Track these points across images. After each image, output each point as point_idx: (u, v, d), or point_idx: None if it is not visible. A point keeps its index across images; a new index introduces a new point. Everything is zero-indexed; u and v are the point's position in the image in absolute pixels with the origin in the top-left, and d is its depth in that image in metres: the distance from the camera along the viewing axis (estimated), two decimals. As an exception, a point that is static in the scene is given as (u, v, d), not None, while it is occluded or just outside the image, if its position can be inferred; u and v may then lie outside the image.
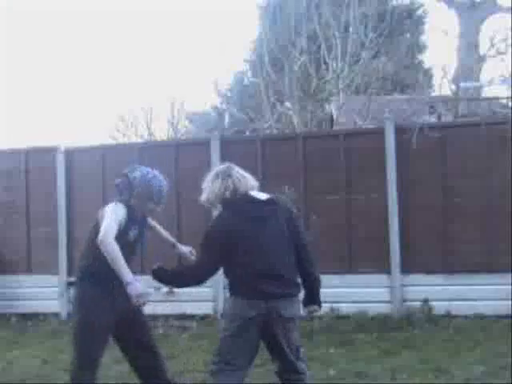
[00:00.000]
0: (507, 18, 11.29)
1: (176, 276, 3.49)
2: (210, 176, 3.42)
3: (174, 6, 33.68)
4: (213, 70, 31.04)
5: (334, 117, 12.85)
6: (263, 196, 3.37)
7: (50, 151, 8.06)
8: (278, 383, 4.77)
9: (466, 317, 6.48)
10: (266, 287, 3.19)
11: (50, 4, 31.97)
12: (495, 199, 6.69)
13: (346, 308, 6.76)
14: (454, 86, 10.01)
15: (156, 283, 3.52)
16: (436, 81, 15.84)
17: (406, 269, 6.80)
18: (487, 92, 11.40)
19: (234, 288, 3.30)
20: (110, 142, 17.10)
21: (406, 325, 6.36)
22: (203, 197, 3.43)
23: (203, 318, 7.13)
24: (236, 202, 3.30)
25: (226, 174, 3.36)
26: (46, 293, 7.83)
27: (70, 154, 8.03)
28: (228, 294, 3.37)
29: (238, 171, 3.42)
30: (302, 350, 3.36)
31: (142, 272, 7.38)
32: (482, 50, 11.92)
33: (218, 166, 3.53)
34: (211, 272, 3.36)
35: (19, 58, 32.09)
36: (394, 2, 16.45)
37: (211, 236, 3.31)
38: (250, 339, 3.23)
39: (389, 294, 6.83)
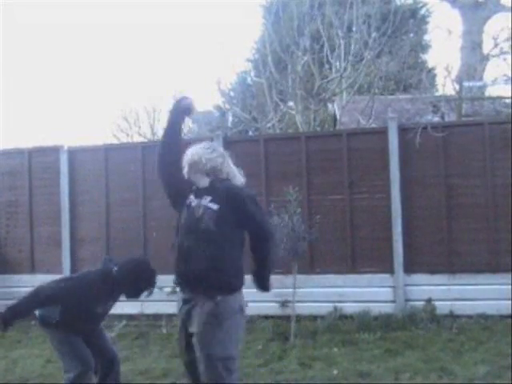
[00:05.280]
0: (510, 18, 11.24)
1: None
2: None
3: (177, 6, 33.67)
4: (216, 69, 30.97)
5: (337, 116, 12.84)
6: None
7: (54, 151, 8.08)
8: (279, 383, 4.79)
9: (469, 316, 6.47)
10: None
11: (53, 3, 31.99)
12: (499, 199, 6.68)
13: (349, 308, 6.75)
14: (457, 86, 9.97)
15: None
16: (439, 80, 15.79)
17: (410, 268, 6.80)
18: (490, 91, 11.37)
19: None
20: (113, 141, 17.13)
21: (409, 324, 6.35)
22: None
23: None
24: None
25: None
26: (49, 292, 7.82)
27: (73, 153, 8.04)
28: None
29: None
30: None
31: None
32: (486, 50, 11.87)
33: None
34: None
35: (23, 58, 32.17)
36: (398, 2, 16.40)
37: None
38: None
39: (392, 293, 6.82)
